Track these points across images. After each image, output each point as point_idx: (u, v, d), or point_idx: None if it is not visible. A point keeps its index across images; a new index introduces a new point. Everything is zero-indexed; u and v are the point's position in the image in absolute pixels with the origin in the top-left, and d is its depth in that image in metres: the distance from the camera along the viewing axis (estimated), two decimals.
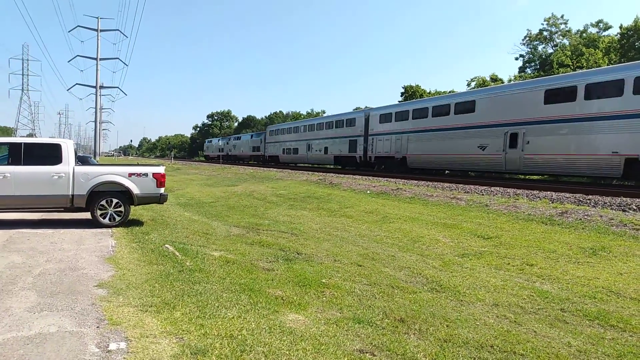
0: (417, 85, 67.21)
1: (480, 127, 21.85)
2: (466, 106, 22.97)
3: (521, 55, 44.25)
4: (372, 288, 5.79)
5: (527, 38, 42.52)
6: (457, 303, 5.32)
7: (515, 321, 4.75)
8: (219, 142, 76.75)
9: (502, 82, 39.43)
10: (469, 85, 40.53)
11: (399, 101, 68.46)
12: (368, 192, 16.23)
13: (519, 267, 6.94)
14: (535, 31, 41.92)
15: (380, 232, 9.94)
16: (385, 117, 29.59)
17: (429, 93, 64.50)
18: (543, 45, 42.32)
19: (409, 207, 12.73)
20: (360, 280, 6.14)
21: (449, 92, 59.94)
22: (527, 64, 44.25)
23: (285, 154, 44.83)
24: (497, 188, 15.65)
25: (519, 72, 43.85)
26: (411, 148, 26.60)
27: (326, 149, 36.97)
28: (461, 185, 17.30)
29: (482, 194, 14.26)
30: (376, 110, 31.52)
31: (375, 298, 5.38)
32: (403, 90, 68.57)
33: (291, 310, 4.80)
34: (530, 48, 43.23)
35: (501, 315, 4.93)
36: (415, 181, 19.92)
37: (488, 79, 39.45)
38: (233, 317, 4.44)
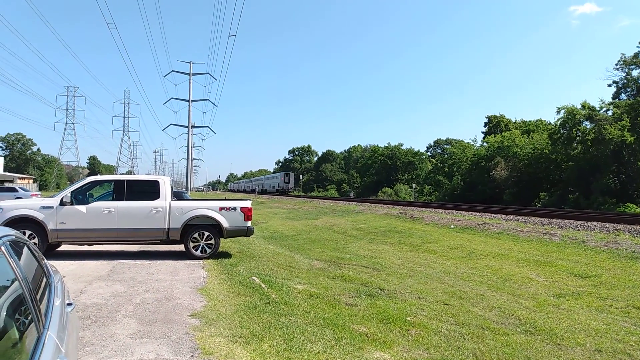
0: (502, 115, 65.13)
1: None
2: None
3: (614, 82, 40.98)
4: (461, 328, 5.57)
5: (622, 62, 39.41)
6: (554, 347, 4.97)
7: None
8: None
9: (594, 110, 36.96)
10: (558, 112, 38.24)
11: (482, 132, 66.59)
12: (452, 226, 15.76)
13: (623, 309, 6.36)
14: (629, 55, 38.72)
15: (466, 269, 9.57)
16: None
17: (515, 122, 62.13)
18: (639, 70, 38.96)
19: (498, 243, 12.16)
20: (448, 320, 5.93)
21: (536, 121, 57.48)
22: (621, 90, 40.91)
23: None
24: (595, 223, 14.56)
25: (613, 99, 40.68)
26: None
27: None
28: (554, 219, 16.28)
29: (578, 229, 13.31)
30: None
31: (464, 339, 5.16)
32: (487, 121, 66.69)
33: (376, 348, 4.74)
34: (624, 73, 39.92)
35: None
36: (504, 215, 19.07)
37: (579, 107, 37.02)
38: (318, 352, 4.47)
